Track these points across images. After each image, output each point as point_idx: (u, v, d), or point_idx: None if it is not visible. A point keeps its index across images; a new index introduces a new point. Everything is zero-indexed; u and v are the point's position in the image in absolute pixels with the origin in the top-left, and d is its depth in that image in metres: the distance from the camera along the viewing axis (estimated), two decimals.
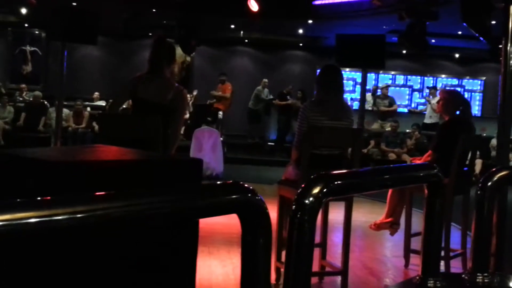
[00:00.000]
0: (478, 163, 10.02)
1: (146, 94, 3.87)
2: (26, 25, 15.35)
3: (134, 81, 4.01)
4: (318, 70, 4.23)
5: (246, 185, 1.34)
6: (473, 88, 16.43)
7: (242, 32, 15.34)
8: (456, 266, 4.27)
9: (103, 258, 1.96)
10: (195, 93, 13.56)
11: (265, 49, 16.23)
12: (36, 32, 15.72)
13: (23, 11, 12.95)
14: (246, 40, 15.98)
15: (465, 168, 4.36)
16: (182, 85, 4.28)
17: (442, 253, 3.96)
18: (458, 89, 15.12)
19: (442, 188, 1.81)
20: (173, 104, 3.89)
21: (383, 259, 4.96)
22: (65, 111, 11.05)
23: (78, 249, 1.83)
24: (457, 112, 4.48)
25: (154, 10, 12.06)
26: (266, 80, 14.20)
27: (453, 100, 4.53)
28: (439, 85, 16.21)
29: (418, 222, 4.51)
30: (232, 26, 14.57)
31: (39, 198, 1.03)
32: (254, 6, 10.19)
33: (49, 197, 1.04)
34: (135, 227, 1.26)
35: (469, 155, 4.47)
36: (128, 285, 2.07)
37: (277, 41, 15.69)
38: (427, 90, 14.80)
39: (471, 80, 16.47)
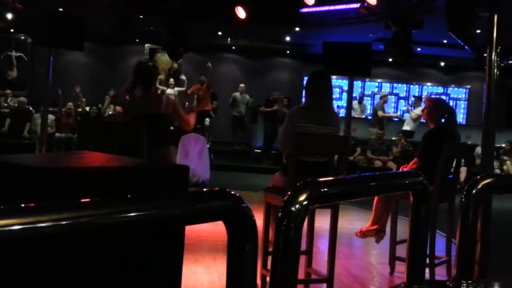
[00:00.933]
0: (463, 171, 10.10)
1: (146, 109, 4.60)
2: (11, 30, 15.23)
3: (132, 102, 4.86)
4: (306, 78, 4.25)
5: (232, 192, 1.33)
6: (458, 96, 16.59)
7: (229, 39, 15.37)
8: (441, 273, 4.29)
9: (86, 265, 1.94)
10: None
11: (252, 56, 16.27)
12: (22, 37, 15.62)
13: (9, 16, 12.85)
14: (233, 47, 16.01)
15: (450, 176, 4.40)
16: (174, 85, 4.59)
17: (427, 261, 3.98)
18: (443, 97, 15.26)
19: (427, 195, 1.82)
20: (168, 110, 4.69)
21: (368, 266, 4.97)
22: (50, 117, 10.97)
23: (60, 256, 1.81)
24: (442, 120, 4.52)
25: (141, 16, 12.04)
26: (243, 85, 14.19)
27: (438, 108, 4.57)
28: (424, 93, 16.36)
29: (403, 230, 4.54)
30: (220, 33, 14.59)
31: (23, 205, 1.02)
32: (241, 13, 10.22)
33: (33, 204, 1.03)
34: (120, 234, 1.25)
35: (454, 162, 4.50)
36: None
37: (264, 48, 15.73)
38: (413, 99, 14.92)
39: (456, 88, 16.63)
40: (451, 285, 1.98)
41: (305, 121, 3.88)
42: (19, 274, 1.83)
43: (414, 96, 15.34)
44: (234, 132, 14.21)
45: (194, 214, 1.30)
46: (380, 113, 12.97)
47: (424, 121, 5.03)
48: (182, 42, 10.87)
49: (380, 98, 13.37)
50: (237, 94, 14.08)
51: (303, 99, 4.25)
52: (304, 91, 4.25)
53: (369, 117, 14.22)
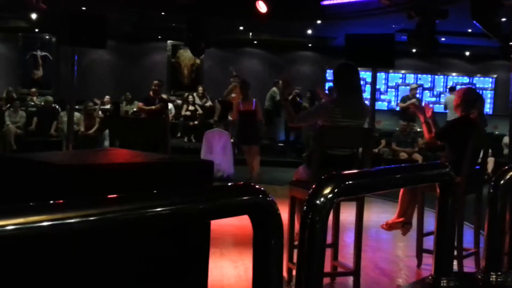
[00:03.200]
0: (490, 161, 9.94)
1: None
2: (36, 30, 15.45)
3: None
4: (328, 71, 4.23)
5: (257, 187, 1.34)
6: (484, 86, 16.33)
7: (250, 33, 15.35)
8: (469, 265, 4.24)
9: (115, 259, 1.97)
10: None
11: (274, 50, 16.23)
12: (47, 37, 15.83)
13: (34, 16, 13.04)
14: (255, 42, 15.99)
15: (477, 167, 4.33)
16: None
17: (455, 253, 3.94)
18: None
19: (454, 186, 1.80)
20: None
21: (395, 259, 4.94)
22: (76, 114, 11.12)
23: (90, 251, 1.84)
24: (472, 109, 4.44)
25: (163, 13, 12.10)
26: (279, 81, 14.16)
27: (464, 97, 4.49)
28: (449, 84, 16.13)
29: (430, 222, 4.49)
30: (241, 28, 14.59)
31: (51, 202, 1.03)
32: (262, 8, 10.19)
33: (61, 201, 1.05)
34: (147, 229, 1.26)
35: (481, 153, 4.44)
36: (141, 287, 2.08)
37: (286, 42, 15.68)
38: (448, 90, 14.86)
39: (482, 78, 16.38)
40: (479, 277, 1.95)
41: (338, 115, 3.84)
42: (47, 269, 1.87)
43: (449, 88, 15.23)
44: (266, 126, 14.10)
45: (220, 209, 1.30)
46: (400, 104, 12.84)
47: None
48: (204, 38, 10.91)
49: (410, 90, 13.20)
50: (274, 89, 13.93)
51: (326, 92, 4.23)
52: (333, 85, 4.19)
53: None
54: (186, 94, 14.55)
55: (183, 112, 13.98)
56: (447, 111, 12.85)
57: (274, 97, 13.77)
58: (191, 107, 13.97)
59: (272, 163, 12.10)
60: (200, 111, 13.89)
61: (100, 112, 12.41)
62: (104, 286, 1.98)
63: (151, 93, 9.67)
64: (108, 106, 13.75)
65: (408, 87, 13.93)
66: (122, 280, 2.02)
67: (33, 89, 14.47)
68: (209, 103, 14.09)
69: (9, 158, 2.53)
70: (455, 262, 3.98)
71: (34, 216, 0.97)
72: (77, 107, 10.74)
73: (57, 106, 12.48)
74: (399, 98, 16.00)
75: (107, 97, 14.36)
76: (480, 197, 4.30)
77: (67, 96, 8.78)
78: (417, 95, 13.43)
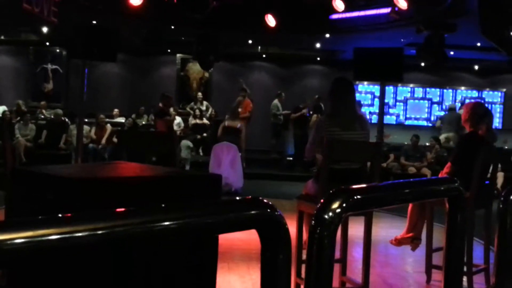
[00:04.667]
0: (500, 176, 9.89)
1: None
2: (47, 43, 15.60)
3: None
4: (330, 85, 4.29)
5: (265, 201, 1.34)
6: (493, 100, 16.27)
7: (259, 47, 15.42)
8: (479, 281, 4.20)
9: (123, 273, 1.97)
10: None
11: (282, 64, 16.28)
12: (57, 50, 15.97)
13: (44, 30, 13.17)
14: (264, 55, 16.05)
15: (487, 182, 4.31)
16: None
17: (465, 269, 3.90)
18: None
19: (463, 202, 1.78)
20: None
21: (404, 274, 4.90)
22: (86, 128, 11.18)
23: (98, 265, 1.84)
24: (480, 124, 4.41)
25: (172, 27, 12.18)
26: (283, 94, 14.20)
27: (473, 112, 4.47)
28: (458, 98, 16.10)
29: (439, 237, 4.46)
30: (250, 41, 14.66)
31: (60, 215, 1.04)
32: (271, 21, 10.25)
33: (70, 214, 1.05)
34: (155, 243, 1.26)
35: (491, 168, 4.41)
36: None
37: (294, 56, 15.73)
38: (458, 104, 14.94)
39: (491, 92, 16.32)
40: None
41: (332, 127, 3.92)
42: (57, 281, 1.87)
43: (460, 103, 15.33)
44: (275, 140, 14.15)
45: (227, 223, 1.30)
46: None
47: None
48: (213, 51, 10.97)
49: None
50: (277, 102, 13.96)
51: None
52: (327, 98, 4.31)
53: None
54: (191, 105, 14.61)
55: (190, 124, 14.04)
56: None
57: (275, 113, 13.76)
58: (198, 120, 14.01)
59: (279, 177, 12.09)
60: (206, 121, 13.97)
61: (108, 125, 12.48)
62: None
63: (161, 105, 9.85)
64: (117, 119, 13.83)
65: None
66: None
67: (43, 102, 14.58)
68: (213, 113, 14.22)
69: (19, 171, 2.55)
70: (464, 278, 3.94)
71: (43, 230, 0.98)
72: (86, 120, 10.81)
73: (66, 119, 12.56)
74: (408, 112, 16.01)
75: (116, 110, 14.43)
76: (490, 212, 4.27)
77: (76, 109, 8.83)
78: (426, 108, 13.46)
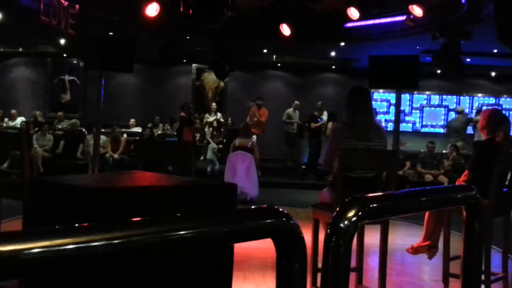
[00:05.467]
0: None
1: None
2: (64, 55, 15.79)
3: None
4: (347, 93, 4.25)
5: (280, 209, 1.34)
6: (510, 107, 16.12)
7: (274, 56, 15.46)
8: None
9: (139, 283, 1.97)
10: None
11: (297, 72, 16.29)
12: (75, 61, 16.16)
13: (62, 42, 13.34)
14: (279, 64, 16.08)
15: (505, 189, 4.26)
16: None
17: (483, 277, 3.85)
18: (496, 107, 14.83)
19: (481, 209, 1.77)
20: None
21: (421, 283, 4.85)
22: (103, 138, 11.27)
23: (113, 274, 1.85)
24: (498, 131, 4.37)
25: (188, 37, 12.27)
26: (297, 102, 14.24)
27: (490, 119, 4.44)
28: (475, 104, 15.97)
29: (457, 245, 4.41)
30: (265, 51, 14.70)
31: (77, 225, 1.05)
32: (286, 31, 10.27)
33: (86, 224, 1.06)
34: (171, 252, 1.27)
35: (509, 175, 4.36)
36: None
37: (309, 64, 15.74)
38: (474, 111, 14.81)
39: (508, 99, 16.17)
40: None
41: (347, 137, 3.88)
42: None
43: (477, 109, 15.16)
44: (288, 148, 14.20)
45: (243, 232, 1.30)
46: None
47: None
48: (228, 60, 11.02)
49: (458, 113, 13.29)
50: (290, 110, 14.07)
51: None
52: (344, 108, 4.24)
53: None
54: (206, 116, 14.67)
55: (207, 135, 14.10)
56: (473, 132, 12.74)
57: (284, 121, 13.84)
58: (216, 132, 14.06)
59: (294, 185, 12.08)
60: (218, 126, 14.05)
61: (125, 135, 12.58)
62: None
63: (185, 114, 10.02)
64: (133, 129, 13.92)
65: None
66: None
67: (60, 113, 14.73)
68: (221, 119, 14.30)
69: (37, 181, 2.57)
70: (482, 287, 3.89)
71: (60, 239, 0.99)
72: (103, 130, 10.90)
73: (83, 130, 12.68)
74: (424, 119, 15.90)
75: (132, 120, 14.53)
76: (508, 220, 4.22)
77: (93, 119, 8.91)
78: (442, 116, 13.34)
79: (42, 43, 15.02)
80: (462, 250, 1.77)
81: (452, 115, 15.99)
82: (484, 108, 14.21)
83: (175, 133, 13.87)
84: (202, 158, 13.10)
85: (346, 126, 4.00)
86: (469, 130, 13.25)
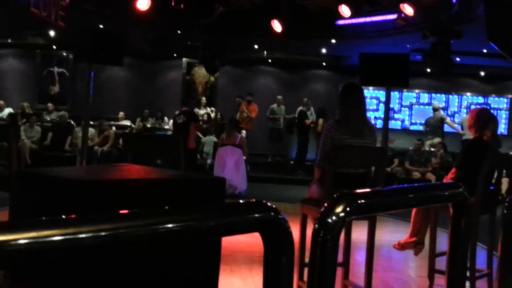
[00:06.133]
0: (505, 182, 9.85)
1: None
2: (54, 47, 15.68)
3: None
4: (340, 90, 4.23)
5: (268, 204, 1.34)
6: (499, 106, 16.23)
7: (265, 52, 15.44)
8: (481, 287, 4.18)
9: (124, 275, 1.97)
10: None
11: (288, 69, 16.29)
12: (64, 54, 16.05)
13: (51, 33, 13.24)
14: (270, 60, 16.07)
15: (491, 187, 4.30)
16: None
17: (468, 274, 3.89)
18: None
19: (467, 207, 1.78)
20: None
21: (407, 279, 4.89)
22: (91, 130, 11.21)
23: (99, 266, 1.84)
24: (485, 130, 4.40)
25: (179, 31, 12.22)
26: (280, 97, 14.25)
27: (478, 118, 4.47)
28: (464, 104, 16.07)
29: (443, 242, 4.45)
30: (256, 46, 14.68)
31: (64, 217, 1.04)
32: (277, 27, 10.26)
33: (73, 216, 1.06)
34: (158, 246, 1.26)
35: (495, 173, 4.40)
36: None
37: (300, 61, 15.74)
38: (464, 110, 14.91)
39: (497, 98, 16.28)
40: None
41: (341, 133, 3.86)
42: (58, 283, 1.87)
43: (466, 108, 15.25)
44: (270, 144, 14.22)
45: (231, 226, 1.30)
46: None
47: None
48: (219, 56, 10.99)
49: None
50: (274, 106, 14.12)
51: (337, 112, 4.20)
52: (337, 104, 4.21)
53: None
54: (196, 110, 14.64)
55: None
56: (462, 130, 12.80)
57: (268, 116, 13.86)
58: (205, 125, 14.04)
59: (283, 181, 12.10)
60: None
61: (114, 128, 12.51)
62: None
63: (187, 108, 9.95)
64: (122, 122, 13.86)
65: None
66: None
67: (50, 105, 14.63)
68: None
69: (24, 173, 2.56)
70: (467, 284, 3.93)
71: (47, 231, 0.98)
72: (92, 123, 10.84)
73: (72, 122, 12.61)
74: (413, 117, 15.98)
75: (122, 113, 14.48)
76: (494, 218, 4.26)
77: (82, 112, 8.87)
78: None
79: (32, 35, 14.90)
80: (448, 247, 1.79)
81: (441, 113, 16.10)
82: (473, 107, 14.31)
83: (166, 127, 13.83)
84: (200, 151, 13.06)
85: (339, 122, 3.97)
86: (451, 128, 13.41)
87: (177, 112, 11.03)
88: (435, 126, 12.80)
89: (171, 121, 14.19)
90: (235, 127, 10.37)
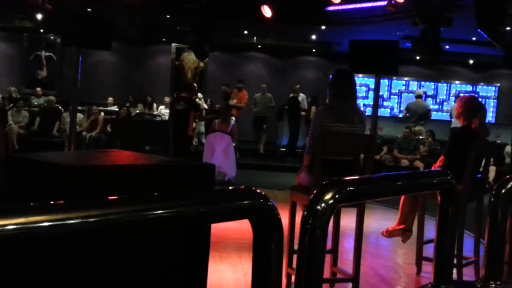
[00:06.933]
0: (492, 170, 9.93)
1: None
2: (41, 30, 15.49)
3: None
4: (331, 76, 4.22)
5: (258, 191, 1.34)
6: (487, 95, 16.33)
7: (255, 38, 15.37)
8: (468, 273, 4.23)
9: (114, 262, 1.97)
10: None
11: (278, 55, 16.25)
12: (52, 37, 15.87)
13: (39, 17, 13.08)
14: (259, 46, 16.01)
15: (479, 175, 4.33)
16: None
17: (455, 261, 3.93)
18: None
19: (455, 195, 1.80)
20: None
21: (395, 266, 4.93)
22: (79, 115, 11.13)
23: (88, 252, 1.84)
24: (473, 118, 4.43)
25: (168, 16, 12.13)
26: (264, 85, 14.10)
27: (466, 106, 4.49)
28: (452, 91, 16.15)
29: (430, 229, 4.49)
30: (245, 32, 14.61)
31: (52, 202, 1.04)
32: (267, 12, 10.22)
33: (62, 201, 1.05)
34: (147, 232, 1.26)
35: (483, 162, 4.43)
36: None
37: (290, 47, 15.70)
38: (453, 98, 14.88)
39: (485, 87, 16.38)
40: (479, 285, 1.95)
41: (331, 120, 3.86)
42: (46, 269, 1.87)
43: (455, 97, 15.23)
44: (255, 131, 14.11)
45: (220, 212, 1.31)
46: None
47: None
48: (208, 41, 10.93)
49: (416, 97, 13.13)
50: (258, 95, 13.94)
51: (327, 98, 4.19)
52: (328, 90, 4.20)
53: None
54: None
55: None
56: (452, 119, 12.79)
57: (256, 100, 13.78)
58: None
59: (272, 168, 12.11)
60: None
61: (102, 114, 12.43)
62: None
63: (188, 95, 9.69)
64: (110, 108, 13.78)
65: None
66: (121, 283, 2.02)
67: (39, 89, 14.49)
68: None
69: (11, 158, 2.54)
70: (454, 271, 3.97)
71: (35, 216, 0.98)
72: (80, 108, 10.76)
73: (60, 107, 12.51)
74: (402, 105, 16.03)
75: (110, 98, 14.38)
76: (481, 206, 4.30)
77: (70, 96, 8.79)
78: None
79: (19, 18, 14.71)
80: (436, 234, 1.80)
81: (430, 101, 16.13)
82: (461, 95, 14.37)
83: (156, 112, 13.75)
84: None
85: (329, 109, 3.95)
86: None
87: (175, 96, 10.78)
88: (419, 115, 12.60)
89: (161, 107, 14.14)
90: (229, 115, 10.27)
